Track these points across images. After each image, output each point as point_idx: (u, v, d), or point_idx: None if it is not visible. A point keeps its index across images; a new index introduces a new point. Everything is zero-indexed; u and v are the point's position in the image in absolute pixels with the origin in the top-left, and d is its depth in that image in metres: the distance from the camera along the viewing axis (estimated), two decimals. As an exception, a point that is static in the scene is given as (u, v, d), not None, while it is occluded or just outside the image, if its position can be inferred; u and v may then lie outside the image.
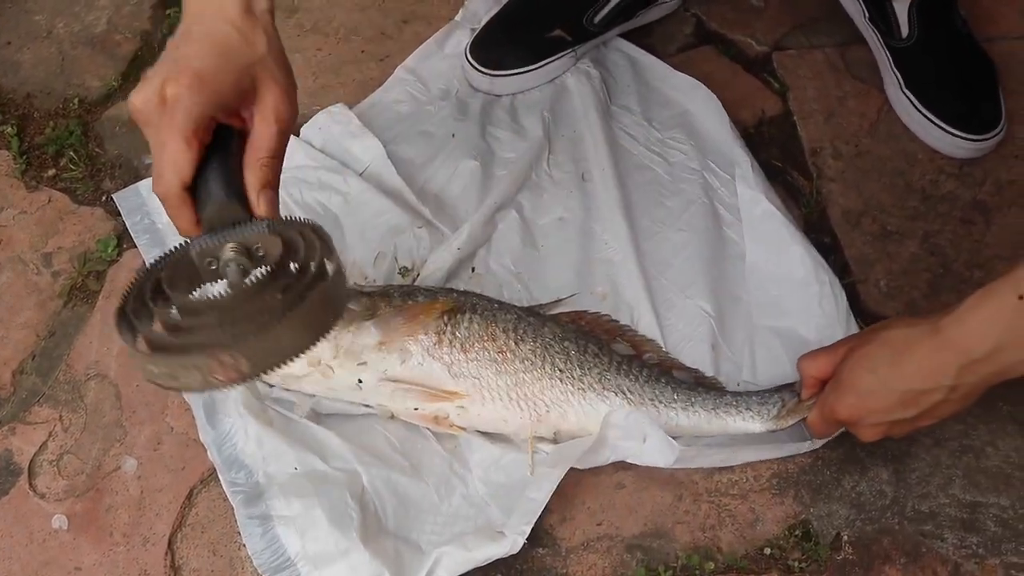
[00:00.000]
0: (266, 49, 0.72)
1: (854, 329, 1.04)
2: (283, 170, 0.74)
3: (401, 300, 0.97)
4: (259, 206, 0.70)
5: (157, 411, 1.02)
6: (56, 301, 1.12)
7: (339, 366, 0.94)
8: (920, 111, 1.21)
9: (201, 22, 0.71)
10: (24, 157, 1.24)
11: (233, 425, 0.93)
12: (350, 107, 1.22)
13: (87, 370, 1.06)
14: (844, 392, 0.87)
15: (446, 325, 0.95)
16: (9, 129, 1.27)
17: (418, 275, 1.07)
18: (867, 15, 1.27)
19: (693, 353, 1.03)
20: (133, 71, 1.34)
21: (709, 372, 1.02)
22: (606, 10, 1.23)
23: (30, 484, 0.98)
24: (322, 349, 0.94)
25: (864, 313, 1.08)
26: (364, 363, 0.94)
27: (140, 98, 0.68)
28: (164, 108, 0.67)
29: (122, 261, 1.14)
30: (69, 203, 1.20)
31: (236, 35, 0.70)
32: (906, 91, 1.23)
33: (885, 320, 0.96)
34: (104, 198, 1.20)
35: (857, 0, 1.28)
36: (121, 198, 1.17)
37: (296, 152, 1.14)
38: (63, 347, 1.08)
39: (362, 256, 1.09)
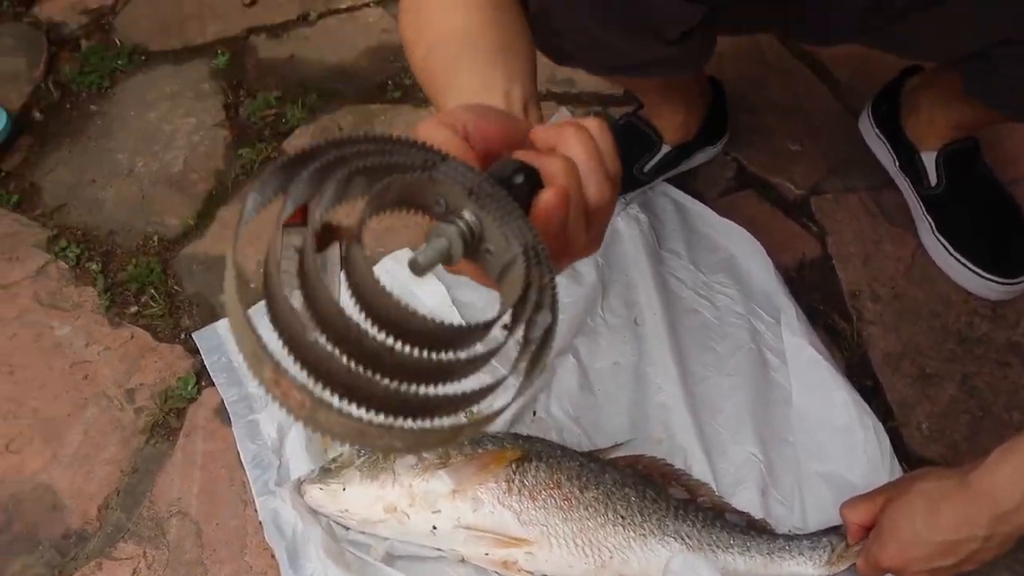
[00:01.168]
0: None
1: (898, 473, 1.09)
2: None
3: (471, 448, 1.03)
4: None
5: (236, 550, 1.08)
6: (139, 437, 1.18)
7: (415, 513, 1.00)
8: (952, 255, 1.28)
9: None
10: (108, 294, 1.32)
11: (315, 570, 0.99)
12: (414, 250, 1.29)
13: (169, 507, 1.12)
14: (886, 542, 0.92)
15: (515, 473, 1.01)
16: (94, 266, 1.36)
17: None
18: (897, 163, 1.35)
19: (744, 497, 1.08)
20: (208, 210, 1.43)
21: (759, 516, 1.07)
22: (654, 161, 1.32)
23: (117, 621, 1.03)
24: (397, 496, 1.00)
25: (908, 456, 1.13)
26: (439, 511, 1.00)
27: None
28: None
29: (201, 399, 1.21)
30: (150, 340, 1.28)
31: None
32: (938, 235, 1.30)
33: (921, 470, 1.01)
34: (183, 335, 1.28)
35: (887, 149, 1.36)
36: (200, 337, 1.25)
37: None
38: (146, 483, 1.14)
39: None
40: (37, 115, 1.62)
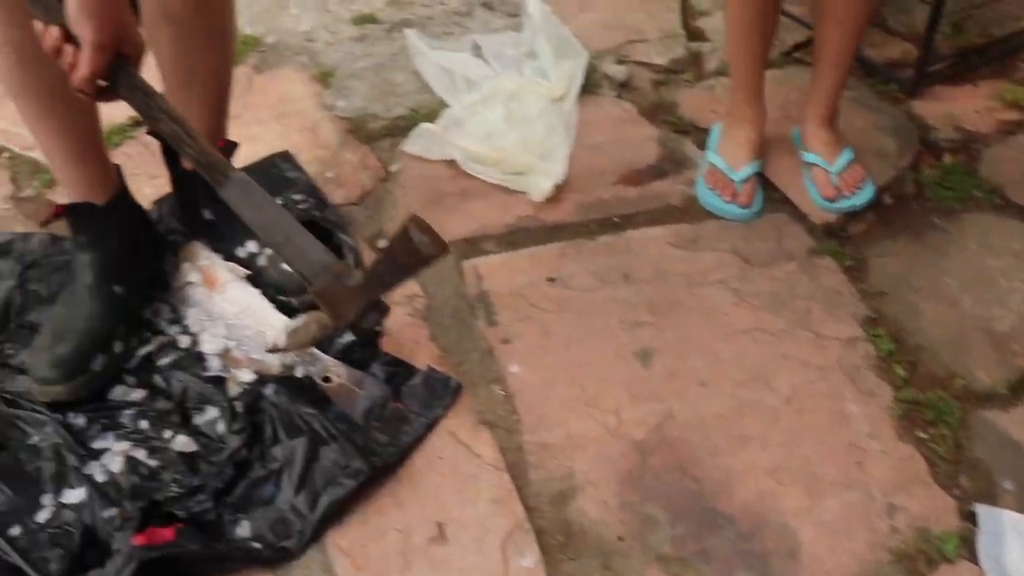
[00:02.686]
0: None
1: None
2: None
3: None
4: None
5: None
6: (884, 552, 1.19)
7: None
8: None
9: None
10: (903, 404, 1.35)
11: None
12: None
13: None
14: None
15: None
16: (900, 371, 1.40)
17: None
18: None
19: None
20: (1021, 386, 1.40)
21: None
22: None
23: None
24: None
25: None
26: None
27: None
28: None
29: (957, 567, 1.18)
30: (925, 472, 1.28)
31: None
32: None
33: None
34: (957, 492, 1.26)
35: None
36: (984, 514, 1.22)
37: None
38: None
39: None
40: (887, 199, 1.70)
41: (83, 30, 1.02)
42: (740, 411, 1.34)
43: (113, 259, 1.38)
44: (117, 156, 1.80)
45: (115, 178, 1.42)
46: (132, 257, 1.42)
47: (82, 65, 1.03)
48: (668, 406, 1.34)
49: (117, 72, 1.06)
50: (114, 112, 1.35)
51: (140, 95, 1.09)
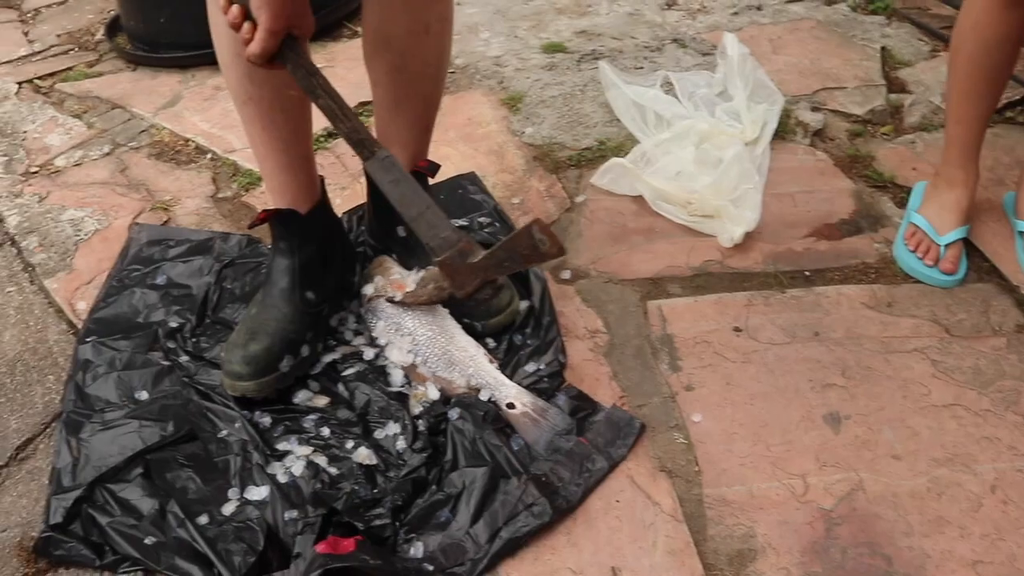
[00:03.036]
0: None
1: None
2: None
3: None
4: None
5: None
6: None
7: None
8: None
9: None
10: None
11: None
12: None
13: None
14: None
15: None
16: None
17: None
18: None
19: None
20: None
21: None
22: None
23: None
24: None
25: None
26: None
27: None
28: None
29: None
30: None
31: None
32: None
33: None
34: None
35: None
36: None
37: None
38: None
39: None
40: (1110, 277, 1.57)
41: (261, 15, 1.11)
42: (937, 492, 1.25)
43: (308, 266, 1.43)
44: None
45: (319, 189, 1.46)
46: (326, 265, 1.46)
47: (256, 43, 1.13)
48: (859, 477, 1.27)
49: (285, 51, 1.16)
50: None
51: (303, 72, 1.18)
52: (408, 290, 1.42)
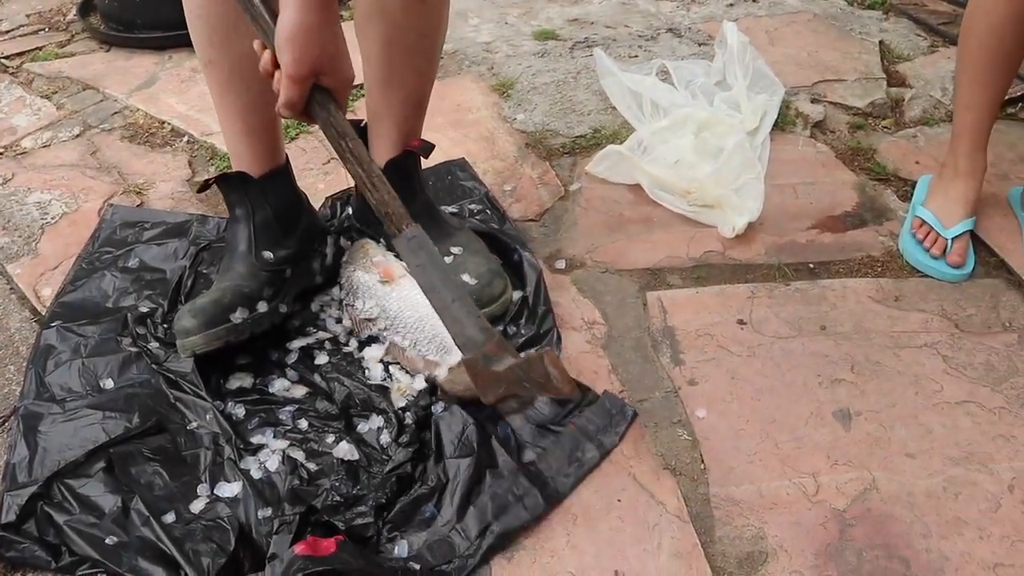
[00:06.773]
0: None
1: None
2: None
3: None
4: None
5: None
6: None
7: None
8: None
9: None
10: None
11: None
12: None
13: None
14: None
15: None
16: None
17: None
18: None
19: None
20: None
21: None
22: None
23: None
24: None
25: None
26: None
27: None
28: None
29: None
30: None
31: None
32: None
33: None
34: None
35: None
36: None
37: None
38: None
39: None
40: (1123, 274, 1.51)
41: (282, 58, 1.02)
42: (954, 492, 1.19)
43: (264, 228, 1.35)
44: (292, 149, 1.78)
45: (282, 159, 1.39)
46: (285, 231, 1.38)
47: (281, 92, 1.04)
48: (872, 476, 1.20)
49: (313, 104, 1.06)
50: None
51: (333, 133, 1.08)
52: (445, 377, 1.26)
